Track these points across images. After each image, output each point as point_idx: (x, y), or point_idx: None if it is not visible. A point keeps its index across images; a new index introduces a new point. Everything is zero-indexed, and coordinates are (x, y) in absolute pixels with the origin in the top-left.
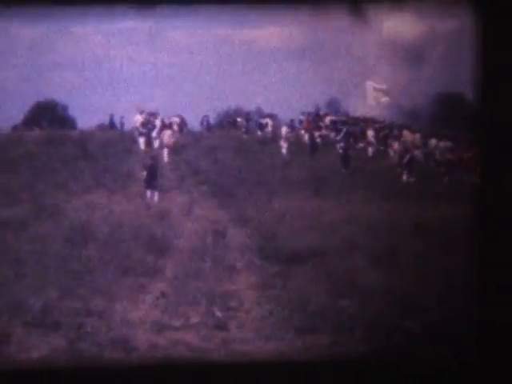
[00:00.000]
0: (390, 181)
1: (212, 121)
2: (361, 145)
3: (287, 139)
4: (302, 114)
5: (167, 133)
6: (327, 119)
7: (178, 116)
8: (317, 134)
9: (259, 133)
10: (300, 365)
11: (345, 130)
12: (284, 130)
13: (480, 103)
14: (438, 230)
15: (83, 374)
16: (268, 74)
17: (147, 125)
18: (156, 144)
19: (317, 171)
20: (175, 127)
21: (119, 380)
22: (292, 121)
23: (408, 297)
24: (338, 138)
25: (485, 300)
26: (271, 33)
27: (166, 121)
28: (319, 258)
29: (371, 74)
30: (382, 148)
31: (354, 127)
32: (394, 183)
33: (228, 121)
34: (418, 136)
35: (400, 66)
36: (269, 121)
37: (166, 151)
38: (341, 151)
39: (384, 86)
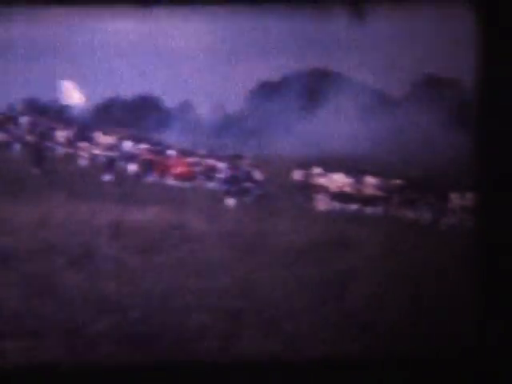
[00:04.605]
0: (88, 182)
1: None
2: (49, 144)
3: None
4: None
5: None
6: (23, 119)
7: None
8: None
9: None
10: None
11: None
12: None
13: (480, 102)
14: (138, 231)
15: None
16: None
17: None
18: None
19: (8, 173)
20: None
21: None
22: None
23: (106, 297)
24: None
25: None
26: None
27: None
28: (14, 260)
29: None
30: (72, 149)
31: (47, 125)
32: (91, 184)
33: None
34: (112, 138)
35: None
36: None
37: None
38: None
39: (73, 86)
